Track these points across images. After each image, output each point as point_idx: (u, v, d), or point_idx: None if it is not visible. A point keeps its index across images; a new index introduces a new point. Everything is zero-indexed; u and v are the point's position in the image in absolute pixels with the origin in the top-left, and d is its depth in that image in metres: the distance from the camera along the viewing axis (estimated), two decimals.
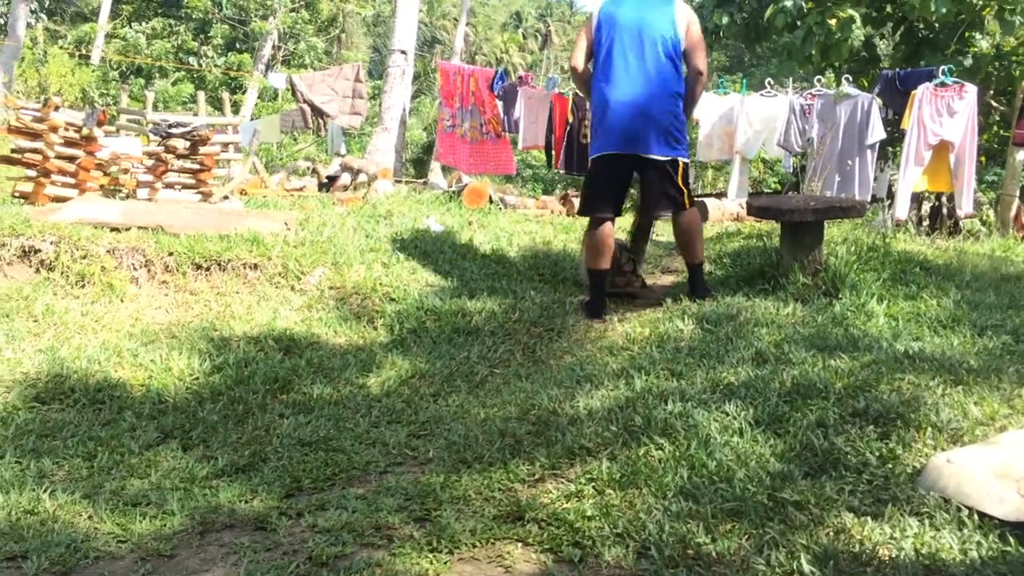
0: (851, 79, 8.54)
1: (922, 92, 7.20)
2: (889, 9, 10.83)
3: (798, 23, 10.46)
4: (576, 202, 8.77)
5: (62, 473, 2.99)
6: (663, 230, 7.57)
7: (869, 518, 2.26)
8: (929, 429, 2.67)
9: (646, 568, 2.15)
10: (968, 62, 10.32)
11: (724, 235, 6.49)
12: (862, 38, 10.33)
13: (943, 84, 7.23)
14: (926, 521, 2.22)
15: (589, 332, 4.30)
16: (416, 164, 21.20)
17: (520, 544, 2.31)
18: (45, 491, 2.76)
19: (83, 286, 4.59)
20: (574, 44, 4.67)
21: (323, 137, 14.65)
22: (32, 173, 6.00)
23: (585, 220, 4.76)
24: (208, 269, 4.87)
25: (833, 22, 9.91)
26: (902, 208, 7.60)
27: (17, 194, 6.01)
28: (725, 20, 11.41)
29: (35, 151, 5.96)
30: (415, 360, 4.04)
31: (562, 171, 11.08)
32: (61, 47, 21.23)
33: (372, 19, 35.00)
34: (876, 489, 2.41)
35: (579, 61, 4.61)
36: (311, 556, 2.27)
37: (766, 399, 2.99)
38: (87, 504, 2.70)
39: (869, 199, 8.00)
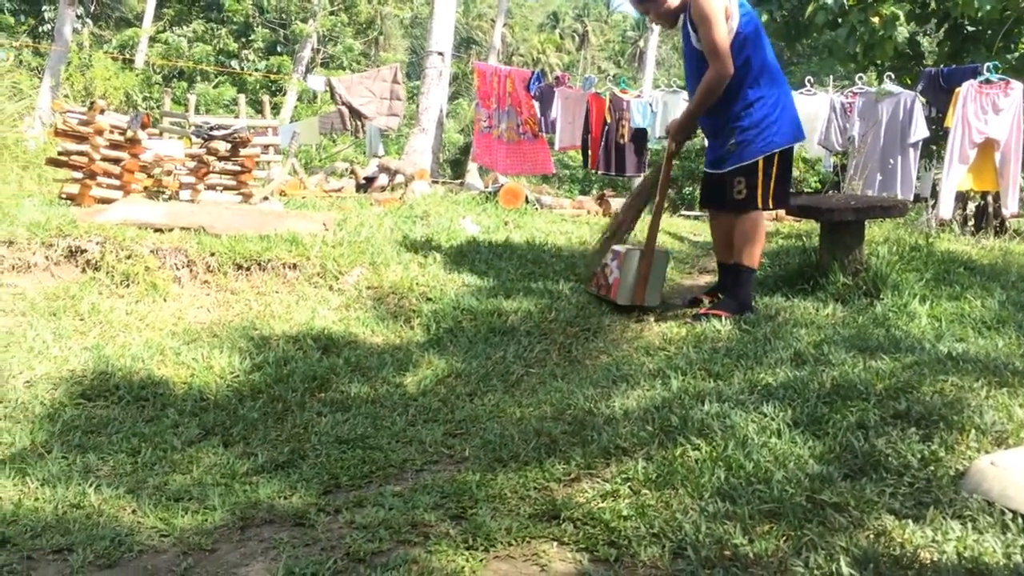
0: (894, 77, 8.43)
1: (966, 89, 7.09)
2: (933, 5, 10.65)
3: (839, 21, 10.33)
4: (613, 203, 8.75)
5: (107, 468, 3.05)
6: (701, 230, 7.52)
7: (910, 521, 2.23)
8: (972, 431, 2.63)
9: (682, 568, 2.14)
10: (1014, 58, 10.12)
11: None
12: (906, 35, 10.17)
13: (988, 81, 7.10)
14: (969, 524, 2.19)
15: (625, 332, 4.29)
16: (453, 165, 21.29)
17: (556, 543, 2.31)
18: (91, 486, 2.81)
19: (128, 286, 4.67)
20: (717, 30, 4.08)
21: (361, 139, 14.77)
22: (78, 175, 6.13)
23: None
24: (248, 269, 4.94)
25: (876, 19, 9.77)
26: (946, 207, 7.48)
27: (64, 196, 6.14)
28: (764, 18, 11.28)
29: (81, 154, 6.09)
30: (451, 359, 4.06)
31: (599, 171, 11.08)
32: (106, 52, 21.65)
33: (410, 21, 35.22)
34: (918, 492, 2.38)
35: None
36: (348, 552, 2.29)
37: (805, 400, 2.96)
38: (131, 499, 2.75)
39: (912, 198, 7.88)
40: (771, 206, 4.31)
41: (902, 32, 9.90)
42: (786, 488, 2.42)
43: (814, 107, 8.41)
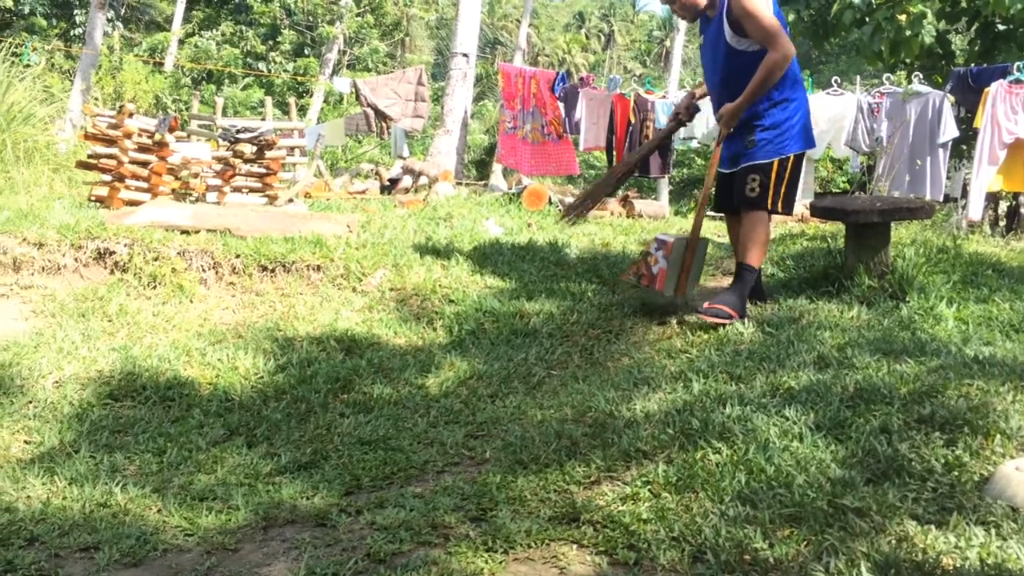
0: (922, 76, 8.34)
1: (995, 89, 6.99)
2: (964, 3, 10.52)
3: (866, 19, 10.23)
4: (637, 204, 8.73)
5: (133, 468, 3.09)
6: (724, 231, 7.48)
7: (933, 526, 2.21)
8: (998, 436, 2.60)
9: (702, 572, 2.13)
10: None
11: (788, 236, 6.38)
12: (934, 33, 10.04)
13: (1018, 81, 7.00)
14: (992, 531, 2.17)
15: (647, 334, 4.28)
16: (478, 166, 21.32)
17: (575, 545, 2.32)
18: (117, 485, 2.85)
19: (155, 287, 4.74)
20: (767, 15, 4.08)
21: (386, 140, 14.84)
22: (107, 178, 6.22)
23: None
24: (273, 271, 4.98)
25: (903, 18, 9.67)
26: (975, 208, 7.38)
27: (93, 198, 6.23)
28: (791, 17, 11.22)
29: (110, 157, 6.17)
30: (473, 361, 4.07)
31: None
32: (136, 55, 21.93)
33: (435, 22, 35.33)
34: (941, 497, 2.35)
35: None
36: (369, 553, 2.31)
37: (828, 404, 2.94)
38: (156, 498, 2.79)
39: (941, 199, 7.79)
40: (779, 210, 4.31)
41: (930, 30, 9.78)
42: (807, 492, 2.40)
43: (841, 107, 8.34)
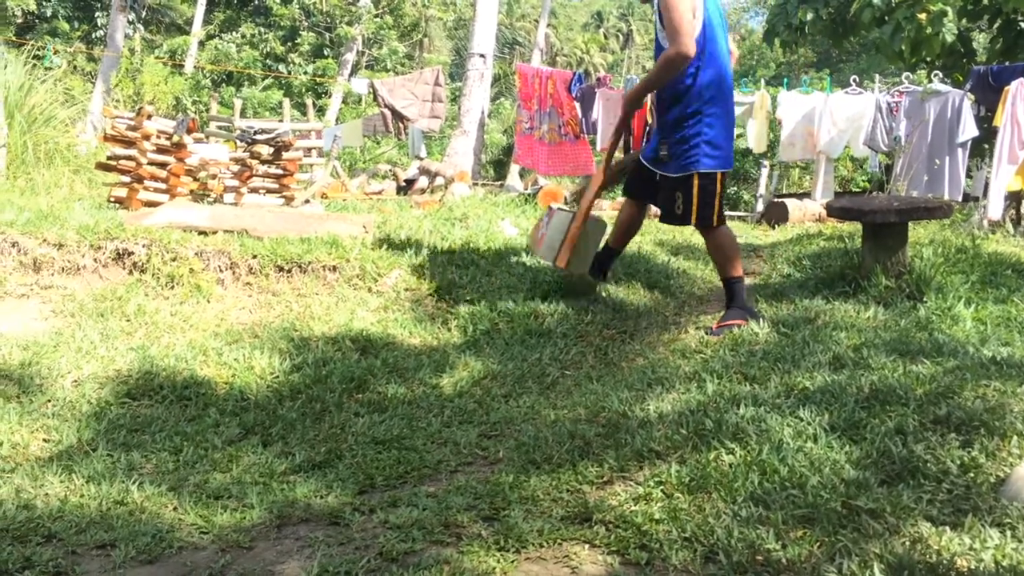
0: (942, 75, 8.26)
1: (1016, 88, 6.92)
2: (985, 1, 10.41)
3: (886, 18, 10.15)
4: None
5: (150, 466, 3.12)
6: (740, 232, 7.46)
7: (948, 528, 2.19)
8: (1015, 438, 2.58)
9: (714, 573, 2.13)
10: None
11: (805, 236, 6.35)
12: (955, 32, 9.95)
13: None
14: (1008, 532, 2.14)
15: (662, 335, 4.27)
16: (496, 166, 21.33)
17: (587, 545, 2.31)
18: (134, 483, 2.88)
19: (172, 287, 4.77)
20: (680, 11, 3.99)
21: (404, 141, 14.89)
22: (126, 179, 6.28)
23: None
24: (289, 271, 5.01)
25: (923, 16, 9.58)
26: (995, 208, 7.30)
27: (113, 199, 6.29)
28: (810, 16, 11.16)
29: (129, 158, 6.23)
30: (487, 361, 4.08)
31: None
32: (157, 57, 22.11)
33: (454, 23, 35.39)
34: (956, 499, 2.33)
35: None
36: (382, 551, 2.31)
37: (843, 405, 2.92)
38: (172, 496, 2.82)
39: (961, 199, 7.72)
40: (714, 224, 4.23)
41: (950, 29, 9.69)
42: (821, 493, 2.39)
43: (859, 107, 8.28)
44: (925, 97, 7.56)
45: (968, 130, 7.38)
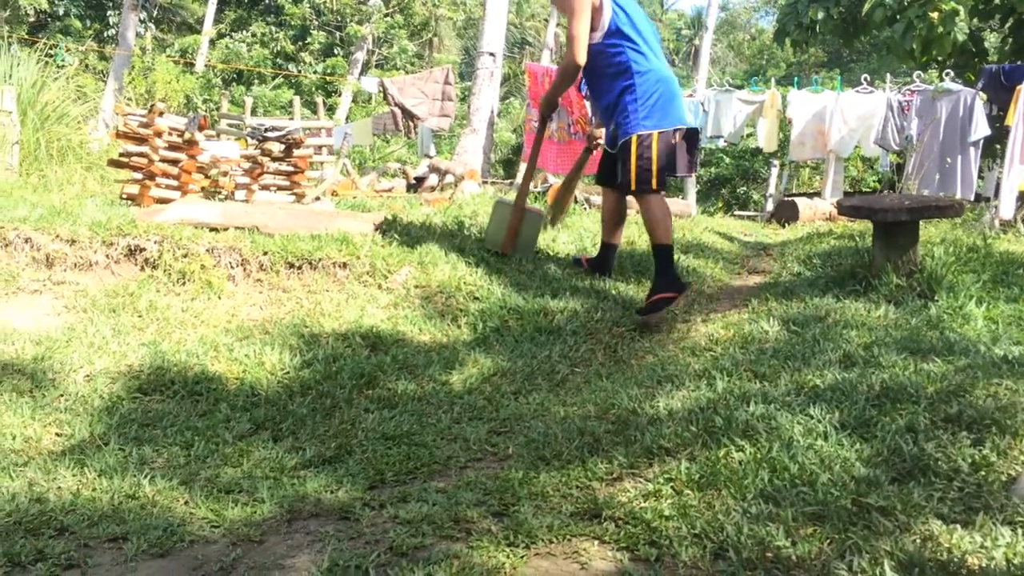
0: (953, 74, 8.22)
1: None
2: (997, 1, 10.36)
3: (898, 17, 10.11)
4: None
5: (161, 460, 3.13)
6: (752, 230, 7.44)
7: (959, 526, 2.19)
8: None
9: (723, 569, 2.13)
10: None
11: (815, 235, 6.34)
12: (967, 31, 9.91)
13: None
14: (1019, 531, 2.14)
15: (671, 332, 4.27)
16: (506, 165, 21.33)
17: (596, 541, 2.32)
18: (145, 477, 2.89)
19: (184, 283, 4.79)
20: (577, 22, 4.51)
21: (413, 139, 14.91)
22: (138, 176, 6.30)
23: None
24: (300, 268, 5.02)
25: (935, 16, 9.55)
26: (1007, 208, 7.28)
27: (125, 196, 6.32)
28: (821, 15, 11.12)
29: (141, 155, 6.25)
30: (497, 358, 4.09)
31: None
32: (168, 56, 22.20)
33: (463, 22, 35.41)
34: (967, 497, 2.33)
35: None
36: (391, 546, 2.32)
37: (853, 403, 2.92)
38: (184, 490, 2.83)
39: (973, 198, 7.70)
40: (652, 188, 4.59)
41: (962, 28, 9.65)
42: (831, 491, 2.38)
43: (870, 105, 8.27)
44: (937, 96, 7.53)
45: (980, 129, 7.36)
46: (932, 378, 3.05)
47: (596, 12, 4.52)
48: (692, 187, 13.49)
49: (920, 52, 9.90)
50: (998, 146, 9.11)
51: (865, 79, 8.52)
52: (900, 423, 2.73)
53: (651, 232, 4.61)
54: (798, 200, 8.99)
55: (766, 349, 3.65)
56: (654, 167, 4.50)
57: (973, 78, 9.84)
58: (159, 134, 6.23)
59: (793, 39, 11.77)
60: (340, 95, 24.00)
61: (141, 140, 6.27)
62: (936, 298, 4.15)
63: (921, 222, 4.59)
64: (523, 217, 5.16)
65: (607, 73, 4.62)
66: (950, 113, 7.46)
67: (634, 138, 4.51)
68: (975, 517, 2.21)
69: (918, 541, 2.15)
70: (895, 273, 4.32)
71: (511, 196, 5.85)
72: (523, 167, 11.02)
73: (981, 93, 7.61)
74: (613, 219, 5.11)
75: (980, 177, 8.12)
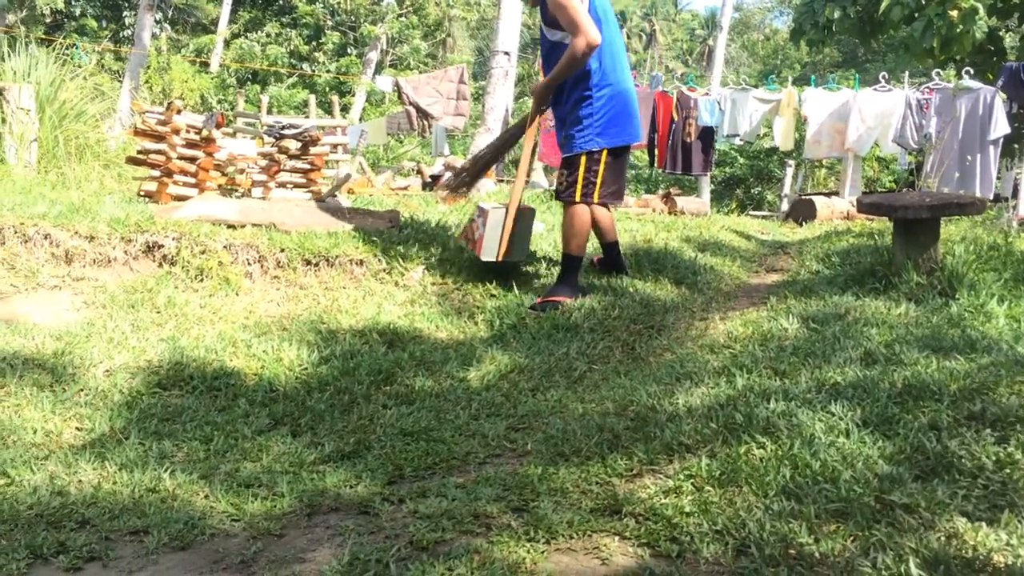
0: (972, 73, 8.17)
1: None
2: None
3: (916, 15, 10.05)
4: (679, 201, 8.67)
5: (181, 455, 3.14)
6: (769, 228, 7.40)
7: (984, 524, 2.16)
8: None
9: (745, 566, 2.11)
10: None
11: (833, 233, 6.30)
12: (986, 29, 9.83)
13: None
14: None
15: (690, 330, 4.25)
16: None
17: (617, 537, 2.31)
18: (165, 471, 2.90)
19: (202, 280, 4.81)
20: (575, 8, 4.37)
21: (427, 138, 14.93)
22: (156, 173, 6.33)
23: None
24: (317, 265, 5.04)
25: (954, 14, 9.48)
26: None
27: (143, 193, 6.35)
28: (837, 14, 11.07)
29: (159, 152, 6.28)
30: (514, 355, 4.08)
31: (665, 170, 10.99)
32: (183, 55, 22.32)
33: (476, 23, 35.46)
34: (992, 494, 2.30)
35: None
36: (412, 540, 2.32)
37: (875, 400, 2.90)
38: (204, 484, 2.84)
39: (991, 196, 7.64)
40: (593, 200, 4.61)
41: (981, 26, 9.58)
42: (854, 488, 2.37)
43: (889, 104, 8.21)
44: (956, 93, 7.47)
45: (1000, 127, 7.30)
46: (955, 376, 3.02)
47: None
48: (706, 186, 13.46)
49: (939, 51, 9.84)
50: (1016, 145, 9.04)
51: (883, 77, 8.47)
52: (923, 421, 2.70)
53: (567, 241, 4.67)
54: (815, 198, 8.94)
55: (786, 346, 3.63)
56: (598, 181, 4.55)
57: (992, 77, 9.77)
58: (177, 132, 6.26)
59: (809, 38, 11.72)
60: (353, 95, 24.07)
61: (159, 137, 6.30)
62: (957, 296, 4.11)
63: (941, 220, 4.55)
64: (518, 218, 4.90)
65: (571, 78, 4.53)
66: (970, 111, 7.40)
67: (584, 155, 4.54)
68: (1000, 515, 2.19)
69: (943, 539, 2.13)
70: (915, 271, 4.28)
71: (490, 199, 5.81)
72: (538, 165, 11.01)
73: (1001, 91, 7.54)
74: (598, 223, 4.97)
75: (997, 178, 8.05)
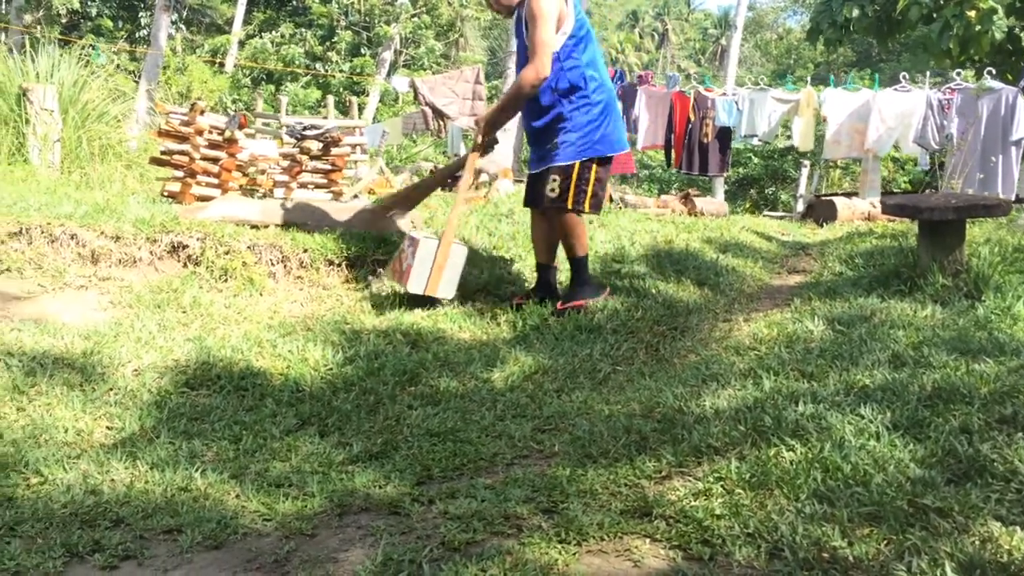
0: (993, 73, 8.12)
1: None
2: None
3: (934, 15, 10.00)
4: (699, 202, 8.66)
5: (211, 454, 3.16)
6: (789, 230, 7.38)
7: (1018, 528, 2.16)
8: None
9: (779, 569, 2.11)
10: None
11: (855, 234, 6.28)
12: (1005, 29, 9.77)
13: None
14: None
15: (713, 332, 4.25)
16: None
17: (648, 540, 2.31)
18: (196, 470, 2.92)
19: (226, 280, 4.84)
20: (544, 29, 4.26)
21: (443, 139, 14.95)
22: (179, 174, 6.37)
23: None
24: (340, 265, 5.06)
25: (972, 14, 9.43)
26: None
27: (166, 194, 6.39)
28: (855, 13, 11.02)
29: (182, 153, 6.32)
30: (538, 356, 4.09)
31: (682, 171, 10.97)
32: (198, 56, 22.43)
33: (489, 23, 35.49)
34: None
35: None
36: (444, 541, 2.33)
37: (905, 403, 2.89)
38: (234, 484, 2.85)
39: (1014, 198, 7.59)
40: (585, 209, 4.56)
41: (1000, 26, 9.52)
42: (886, 491, 2.36)
43: (909, 104, 8.18)
44: (979, 93, 7.43)
45: (1021, 128, 7.25)
46: (984, 379, 3.02)
47: (560, 19, 4.35)
48: (720, 187, 13.43)
49: (958, 51, 9.78)
50: None
51: (904, 77, 8.43)
52: (954, 424, 2.70)
53: (570, 248, 4.62)
54: (836, 199, 8.91)
55: (812, 348, 3.62)
56: (589, 190, 4.52)
57: (1011, 78, 9.71)
58: (200, 132, 6.30)
59: (826, 37, 11.67)
60: (367, 95, 24.13)
61: (183, 138, 6.34)
62: (983, 298, 4.10)
63: (966, 222, 4.54)
64: (449, 253, 4.66)
65: (547, 88, 4.39)
66: (992, 111, 7.36)
67: (578, 164, 4.47)
68: None
69: (977, 543, 2.12)
70: (941, 273, 4.27)
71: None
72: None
73: (1022, 92, 7.49)
74: (546, 240, 4.82)
75: (1017, 180, 8.00)
